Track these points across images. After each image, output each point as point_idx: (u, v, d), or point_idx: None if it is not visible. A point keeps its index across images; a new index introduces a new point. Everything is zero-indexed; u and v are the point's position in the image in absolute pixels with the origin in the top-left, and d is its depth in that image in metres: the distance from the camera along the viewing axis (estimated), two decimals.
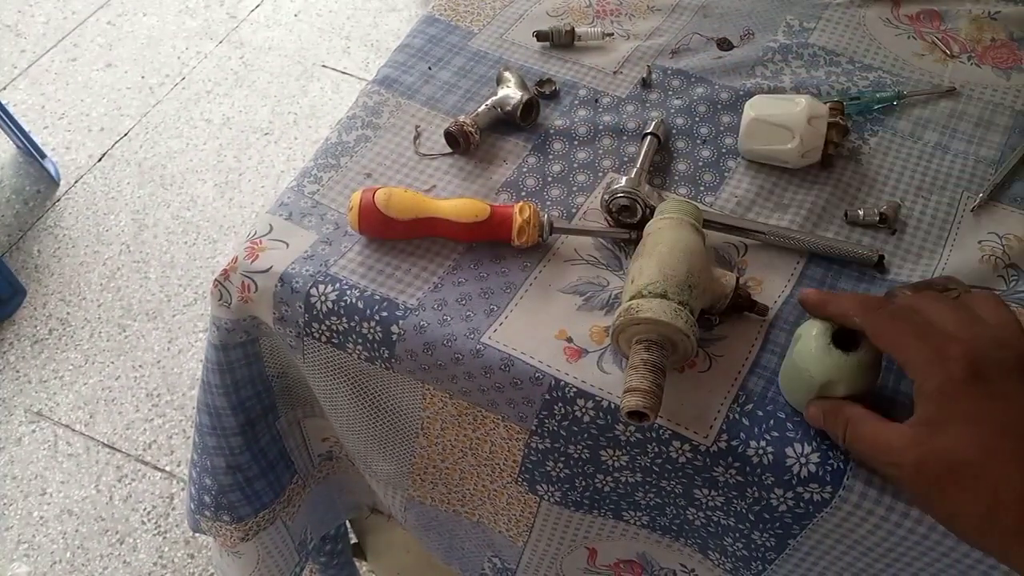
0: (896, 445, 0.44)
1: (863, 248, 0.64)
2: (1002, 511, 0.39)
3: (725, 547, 0.62)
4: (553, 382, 0.58)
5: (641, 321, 0.53)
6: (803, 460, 0.54)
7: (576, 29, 0.81)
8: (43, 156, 1.80)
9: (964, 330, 0.45)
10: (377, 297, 0.62)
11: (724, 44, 0.83)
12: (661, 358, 0.52)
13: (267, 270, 0.64)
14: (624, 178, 0.66)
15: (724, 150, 0.73)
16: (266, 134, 1.90)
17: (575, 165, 0.72)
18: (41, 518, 1.33)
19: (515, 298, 0.63)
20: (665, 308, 0.52)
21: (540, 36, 0.82)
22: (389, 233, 0.65)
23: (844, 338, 0.52)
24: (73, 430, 1.43)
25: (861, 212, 0.67)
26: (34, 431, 1.43)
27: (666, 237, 0.58)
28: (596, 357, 0.59)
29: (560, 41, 0.81)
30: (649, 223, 0.61)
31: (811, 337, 0.52)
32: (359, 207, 0.63)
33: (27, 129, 1.77)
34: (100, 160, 1.85)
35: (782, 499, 0.55)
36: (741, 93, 0.76)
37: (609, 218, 0.66)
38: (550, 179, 0.71)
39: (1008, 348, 0.44)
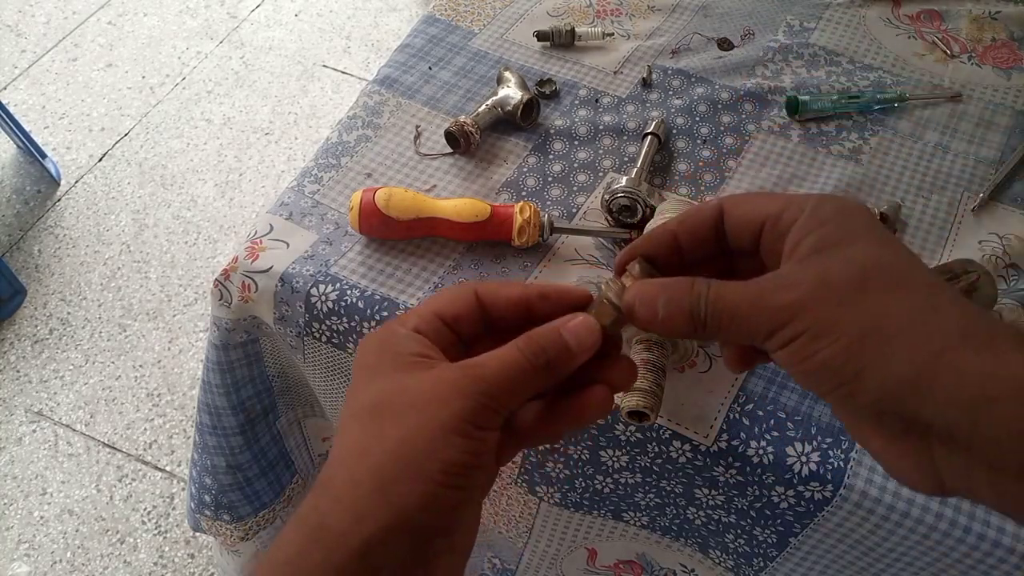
0: (781, 281, 0.31)
1: None
2: (933, 312, 0.29)
3: (726, 544, 0.62)
4: None
5: None
6: (804, 459, 0.54)
7: (576, 29, 0.81)
8: (44, 156, 1.80)
9: None
10: (378, 297, 0.62)
11: (724, 44, 0.83)
12: (661, 358, 0.52)
13: (267, 270, 0.64)
14: (624, 178, 0.66)
15: (724, 150, 0.73)
16: (266, 134, 1.90)
17: (575, 165, 0.72)
18: (41, 518, 1.33)
19: None
20: None
21: (540, 36, 0.82)
22: (389, 233, 0.65)
23: None
24: (73, 430, 1.43)
25: None
26: (34, 431, 1.43)
27: None
28: None
29: (560, 41, 0.81)
30: (649, 223, 0.61)
31: None
32: (359, 207, 0.63)
33: (28, 129, 1.77)
34: (101, 160, 1.85)
35: (783, 496, 0.55)
36: (742, 93, 0.77)
37: (609, 218, 0.66)
38: (550, 179, 0.71)
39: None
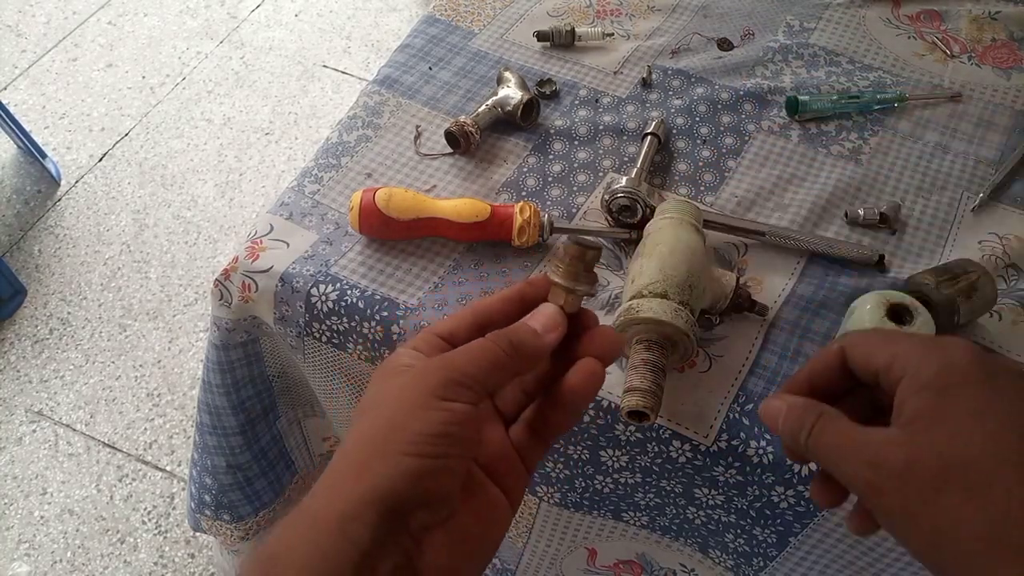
0: (878, 440, 0.33)
1: (863, 248, 0.64)
2: (1013, 526, 0.29)
3: (726, 543, 0.62)
4: None
5: (641, 321, 0.53)
6: None
7: (576, 29, 0.81)
8: (44, 156, 1.80)
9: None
10: (378, 297, 0.62)
11: (724, 44, 0.83)
12: (661, 358, 0.52)
13: (268, 270, 0.64)
14: (624, 178, 0.66)
15: (724, 150, 0.73)
16: (267, 134, 1.90)
17: (575, 165, 0.72)
18: (42, 518, 1.33)
19: None
20: (665, 308, 0.52)
21: (540, 36, 0.82)
22: (389, 233, 0.65)
23: (898, 312, 0.52)
24: (74, 430, 1.43)
25: (861, 212, 0.67)
26: (35, 431, 1.43)
27: (666, 237, 0.58)
28: None
29: (560, 41, 0.81)
30: (649, 223, 0.61)
31: (865, 311, 0.53)
32: (359, 207, 0.63)
33: (28, 129, 1.77)
34: (101, 160, 1.85)
35: (783, 496, 0.55)
36: (742, 93, 0.77)
37: (609, 218, 0.66)
38: (550, 179, 0.71)
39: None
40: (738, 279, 0.59)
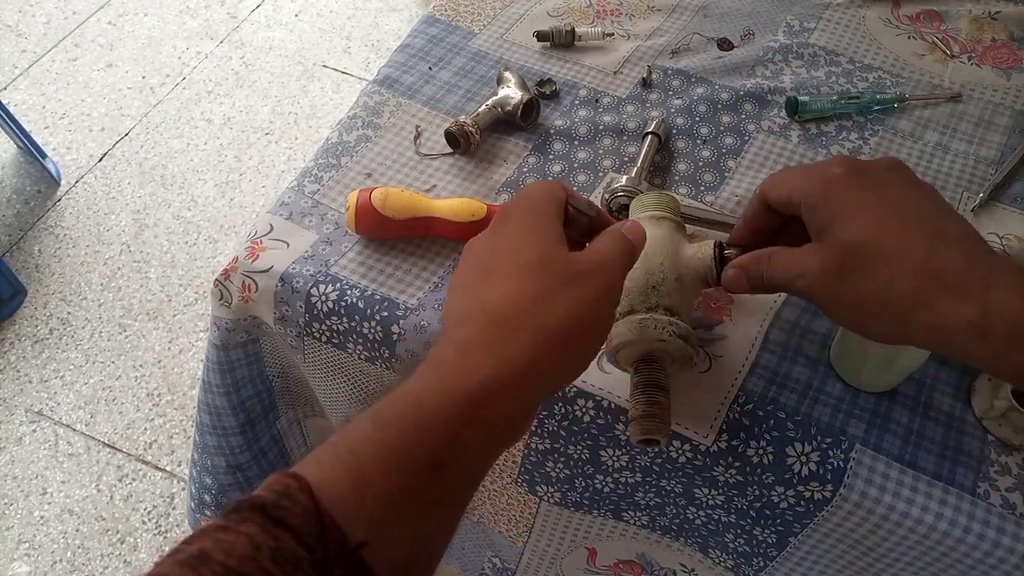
0: (799, 256, 0.45)
1: None
2: (898, 281, 0.41)
3: (726, 544, 0.62)
4: None
5: (616, 348, 0.51)
6: (804, 459, 0.54)
7: (576, 29, 0.81)
8: (44, 156, 1.80)
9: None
10: (378, 297, 0.62)
11: (724, 44, 0.83)
12: (658, 372, 0.50)
13: (268, 270, 0.64)
14: (624, 177, 0.66)
15: (724, 150, 0.73)
16: (267, 134, 1.90)
17: (575, 165, 0.72)
18: (42, 518, 1.33)
19: None
20: (632, 326, 0.49)
21: (540, 36, 0.82)
22: (386, 233, 0.65)
23: None
24: (74, 430, 1.43)
25: None
26: (35, 431, 1.43)
27: None
28: (596, 357, 0.59)
29: (560, 41, 0.81)
30: (632, 210, 0.58)
31: None
32: (356, 207, 0.63)
33: (28, 129, 1.77)
34: (101, 160, 1.85)
35: (783, 496, 0.55)
36: (742, 93, 0.77)
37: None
38: (551, 179, 0.71)
39: (883, 159, 0.46)
40: (718, 244, 0.53)
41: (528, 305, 0.38)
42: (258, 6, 2.24)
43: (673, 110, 0.76)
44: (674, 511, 0.62)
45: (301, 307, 0.63)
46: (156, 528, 1.33)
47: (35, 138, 1.81)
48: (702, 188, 0.70)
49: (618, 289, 0.42)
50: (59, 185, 1.81)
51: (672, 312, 0.50)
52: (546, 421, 0.59)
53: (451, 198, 0.66)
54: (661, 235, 0.54)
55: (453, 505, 0.35)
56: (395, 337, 0.61)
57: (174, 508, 1.35)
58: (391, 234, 0.65)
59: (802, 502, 0.55)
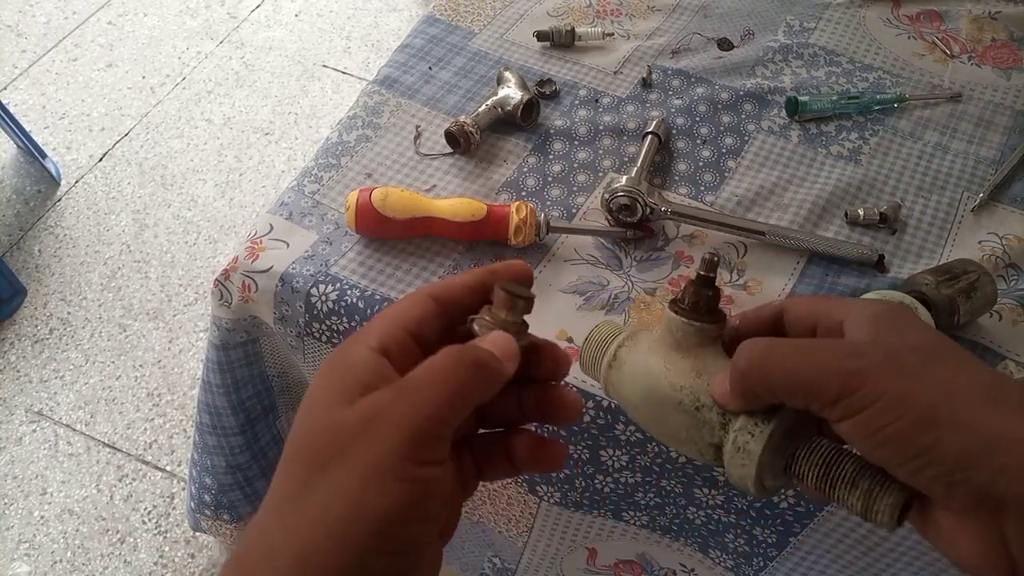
0: (849, 341, 0.32)
1: (863, 248, 0.64)
2: (1002, 383, 0.29)
3: (726, 544, 0.62)
4: None
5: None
6: None
7: (576, 29, 0.81)
8: (44, 156, 1.79)
9: None
10: (378, 297, 0.62)
11: (724, 44, 0.83)
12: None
13: (268, 270, 0.64)
14: (624, 177, 0.66)
15: (724, 150, 0.73)
16: (267, 134, 1.90)
17: (575, 165, 0.72)
18: (42, 518, 1.33)
19: None
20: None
21: (540, 36, 0.82)
22: (386, 232, 0.65)
23: None
24: (74, 430, 1.43)
25: (861, 212, 0.67)
26: (35, 431, 1.43)
27: (621, 393, 0.38)
28: None
29: (560, 41, 0.81)
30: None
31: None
32: (356, 207, 0.63)
33: (28, 129, 1.77)
34: (101, 160, 1.85)
35: (783, 496, 0.55)
36: (742, 93, 0.77)
37: (609, 217, 0.66)
38: (550, 179, 0.71)
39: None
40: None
41: (269, 521, 0.27)
42: (258, 6, 2.24)
43: (673, 110, 0.76)
44: (674, 511, 0.62)
45: (301, 307, 0.63)
46: (156, 528, 1.33)
47: (35, 138, 1.81)
48: (702, 188, 0.70)
49: (417, 448, 0.26)
50: (59, 185, 1.81)
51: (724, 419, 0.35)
52: None
53: (451, 198, 0.66)
54: (651, 376, 0.37)
55: None
56: None
57: (174, 508, 1.35)
58: (391, 234, 0.65)
59: (802, 502, 0.55)
